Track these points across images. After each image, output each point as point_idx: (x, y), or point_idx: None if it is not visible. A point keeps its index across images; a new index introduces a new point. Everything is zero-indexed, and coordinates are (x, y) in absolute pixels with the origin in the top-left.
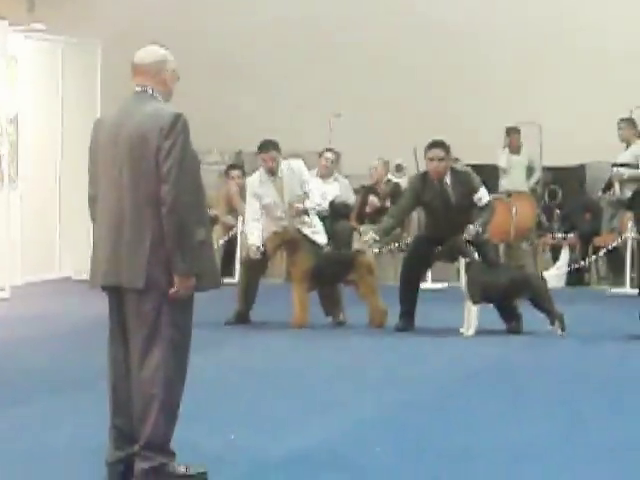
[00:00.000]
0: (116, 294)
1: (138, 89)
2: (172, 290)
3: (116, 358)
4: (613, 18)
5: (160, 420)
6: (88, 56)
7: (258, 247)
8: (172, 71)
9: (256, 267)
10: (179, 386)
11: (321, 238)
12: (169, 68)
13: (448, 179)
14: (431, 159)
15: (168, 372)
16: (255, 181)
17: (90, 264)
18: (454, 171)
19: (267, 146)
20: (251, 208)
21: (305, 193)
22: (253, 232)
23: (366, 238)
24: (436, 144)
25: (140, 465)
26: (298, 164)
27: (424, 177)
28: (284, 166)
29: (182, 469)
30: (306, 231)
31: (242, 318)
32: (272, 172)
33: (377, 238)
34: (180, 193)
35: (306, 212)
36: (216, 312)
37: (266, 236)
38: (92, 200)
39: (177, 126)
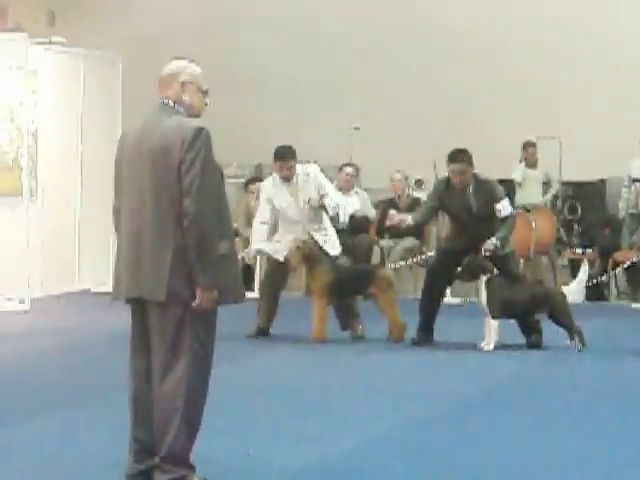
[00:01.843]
0: (139, 306)
1: (160, 101)
2: (194, 303)
3: (138, 370)
4: (634, 34)
5: (181, 433)
6: (108, 69)
7: (258, 251)
8: (182, 83)
9: (277, 280)
10: (201, 400)
11: (332, 248)
12: (179, 80)
13: (471, 187)
14: (453, 172)
15: (190, 385)
16: (268, 185)
17: (113, 278)
18: (477, 179)
19: (285, 154)
20: (261, 211)
21: (322, 195)
22: (256, 235)
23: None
24: (457, 158)
25: (159, 478)
26: (314, 168)
27: (448, 182)
28: (299, 170)
29: None
30: (317, 237)
31: (263, 332)
32: (287, 179)
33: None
34: (202, 206)
35: (323, 208)
36: (237, 326)
37: (284, 244)
38: (117, 212)
39: (199, 139)
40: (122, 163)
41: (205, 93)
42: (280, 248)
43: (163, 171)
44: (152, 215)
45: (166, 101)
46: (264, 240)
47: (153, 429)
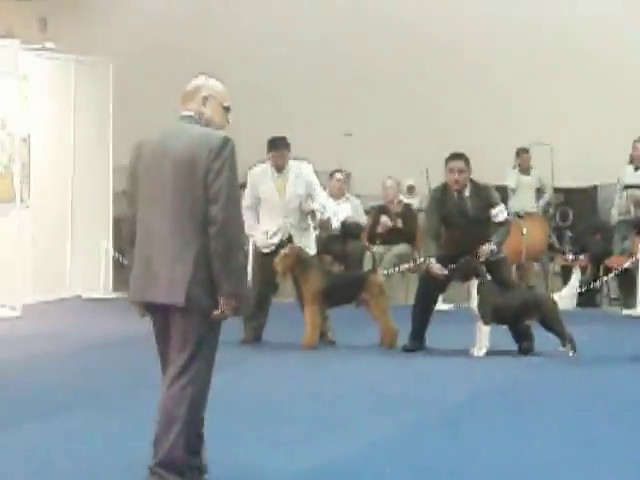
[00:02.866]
0: (159, 311)
1: (183, 114)
2: (216, 311)
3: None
4: (625, 41)
5: (180, 441)
6: (100, 75)
7: (250, 235)
8: (204, 98)
9: (267, 283)
10: (202, 411)
11: (309, 250)
12: (200, 95)
13: (467, 191)
14: (451, 170)
15: (195, 394)
16: (256, 172)
17: (131, 281)
18: (474, 184)
19: (278, 145)
20: (245, 195)
21: (310, 195)
22: (248, 221)
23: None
24: (457, 156)
25: None
26: (307, 167)
27: (444, 189)
28: (293, 166)
29: None
30: (295, 235)
31: (255, 337)
32: (279, 169)
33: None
34: (229, 214)
35: (312, 213)
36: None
37: (262, 238)
38: (131, 220)
39: (226, 148)
40: (138, 172)
41: (227, 109)
42: (264, 240)
43: (187, 179)
44: (174, 222)
45: (188, 113)
46: (253, 225)
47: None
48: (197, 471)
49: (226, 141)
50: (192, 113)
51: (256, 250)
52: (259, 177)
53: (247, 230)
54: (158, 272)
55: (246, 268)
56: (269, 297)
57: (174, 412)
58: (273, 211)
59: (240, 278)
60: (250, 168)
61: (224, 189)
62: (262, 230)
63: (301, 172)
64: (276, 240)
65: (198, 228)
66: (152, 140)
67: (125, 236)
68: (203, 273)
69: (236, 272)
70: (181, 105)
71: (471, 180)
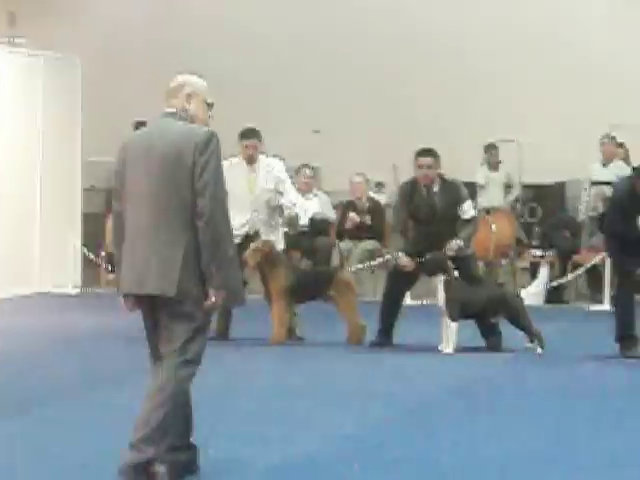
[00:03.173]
0: (148, 303)
1: (168, 110)
2: (207, 303)
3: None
4: (593, 39)
5: (166, 419)
6: (69, 71)
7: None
8: (187, 95)
9: None
10: (188, 395)
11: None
12: (184, 92)
13: (436, 187)
14: (420, 166)
15: (185, 378)
16: (227, 163)
17: (119, 273)
18: (443, 180)
19: (249, 134)
20: None
21: (279, 192)
22: None
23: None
24: (426, 151)
25: (134, 457)
26: (278, 163)
27: (413, 184)
28: (264, 161)
29: (163, 469)
30: (262, 230)
31: (222, 335)
32: (251, 160)
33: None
34: (216, 207)
35: (281, 209)
36: None
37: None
38: (117, 216)
39: (212, 143)
40: (125, 169)
41: (210, 105)
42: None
43: (175, 174)
44: (164, 216)
45: (171, 110)
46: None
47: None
48: (184, 468)
49: (211, 136)
50: (175, 109)
51: None
52: (229, 171)
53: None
54: (149, 265)
55: (236, 259)
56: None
57: (164, 393)
58: (242, 205)
59: (229, 269)
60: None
61: (211, 183)
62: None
63: (272, 168)
64: (242, 232)
65: (186, 221)
66: (137, 138)
67: (114, 232)
68: (193, 264)
69: (225, 263)
70: (165, 101)
71: (440, 176)
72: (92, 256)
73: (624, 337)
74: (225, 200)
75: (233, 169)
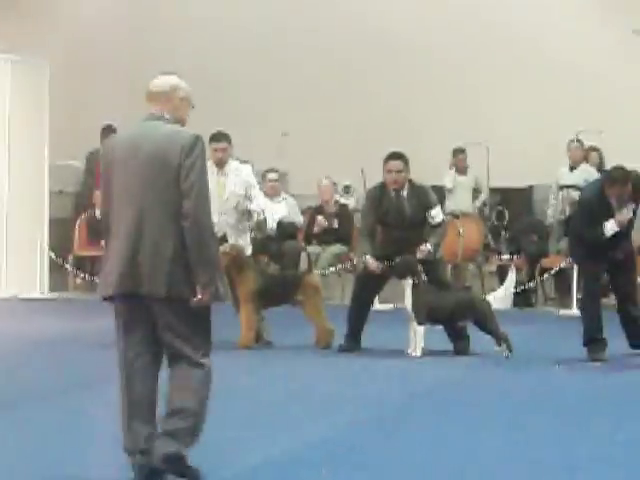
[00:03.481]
0: (134, 302)
1: (150, 112)
2: (195, 299)
3: (132, 361)
4: (561, 41)
5: (195, 413)
6: (37, 75)
7: None
8: (181, 99)
9: None
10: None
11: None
12: (178, 96)
13: (405, 192)
14: (389, 171)
15: (202, 375)
16: None
17: (102, 275)
18: (412, 184)
19: (219, 137)
20: None
21: (247, 196)
22: None
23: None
24: (395, 155)
25: (162, 449)
26: (246, 167)
27: (382, 188)
28: (233, 166)
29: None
30: (230, 234)
31: None
32: (220, 164)
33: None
34: (201, 207)
35: (249, 213)
36: None
37: None
38: (106, 215)
39: (197, 146)
40: (112, 170)
41: (192, 107)
42: None
43: (161, 175)
44: (152, 216)
45: (159, 113)
46: None
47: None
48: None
49: (197, 139)
50: (160, 112)
51: None
52: None
53: None
54: (139, 265)
55: (218, 257)
56: None
57: (186, 387)
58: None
59: (215, 266)
60: None
61: (196, 184)
62: None
63: (240, 172)
64: None
65: (173, 221)
66: (123, 139)
67: (102, 232)
68: (181, 264)
69: (211, 261)
70: (152, 104)
71: (409, 180)
72: (60, 260)
73: (592, 341)
74: (209, 201)
75: None
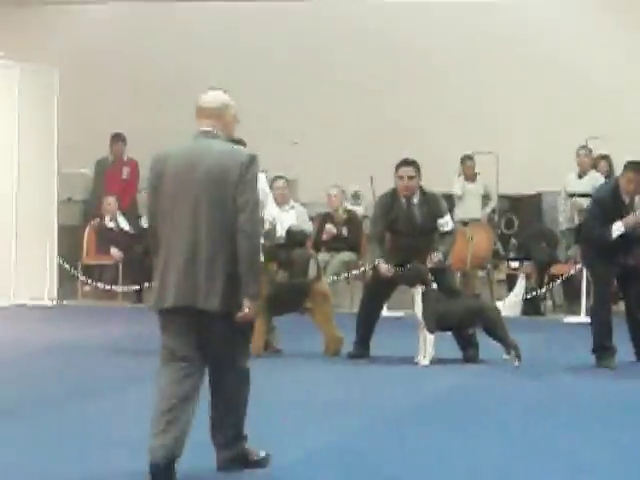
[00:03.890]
0: (187, 314)
1: (204, 129)
2: (241, 312)
3: (175, 369)
4: (571, 50)
5: (242, 414)
6: (45, 82)
7: None
8: (233, 116)
9: None
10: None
11: None
12: (230, 113)
13: (416, 199)
14: (401, 177)
15: (245, 374)
16: None
17: (156, 288)
18: (423, 192)
19: None
20: None
21: (263, 205)
22: None
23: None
24: (407, 162)
25: (225, 454)
26: (261, 176)
27: (393, 195)
28: None
29: (252, 455)
30: None
31: None
32: None
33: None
34: (255, 223)
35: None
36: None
37: None
38: (153, 232)
39: (253, 164)
40: (163, 184)
41: (237, 122)
42: None
43: (218, 192)
44: (205, 231)
45: (208, 129)
46: None
47: (217, 414)
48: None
49: (253, 158)
50: (212, 129)
51: None
52: None
53: None
54: (194, 278)
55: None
56: None
57: (236, 395)
58: None
59: (259, 281)
60: None
61: (251, 201)
62: None
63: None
64: None
65: (227, 236)
66: (176, 154)
67: (152, 248)
68: (232, 279)
69: (258, 275)
70: (198, 119)
71: (420, 188)
72: (69, 268)
73: (600, 348)
74: (260, 216)
75: None
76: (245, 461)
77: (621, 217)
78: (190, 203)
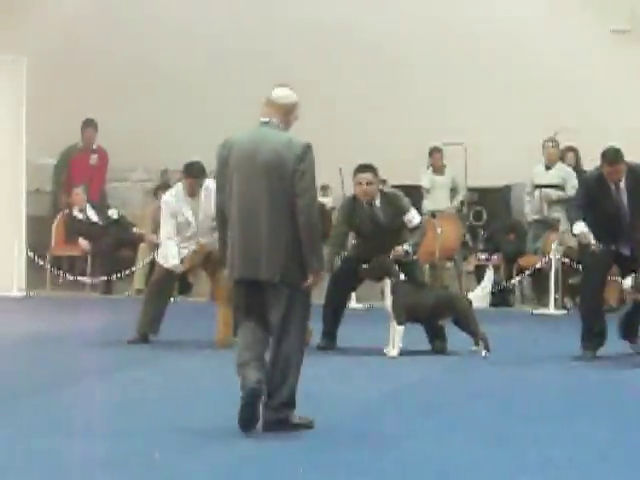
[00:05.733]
0: (253, 285)
1: (266, 119)
2: (307, 283)
3: (249, 329)
4: (537, 45)
5: (294, 382)
6: (14, 72)
7: (176, 266)
8: (296, 115)
9: (165, 288)
10: (303, 354)
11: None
12: (294, 114)
13: (378, 201)
14: (360, 183)
15: (301, 345)
16: (171, 200)
17: (228, 262)
18: (383, 193)
19: (193, 171)
20: (167, 227)
21: None
22: (171, 252)
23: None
24: (364, 168)
25: (271, 416)
26: (214, 183)
27: (354, 200)
28: (203, 185)
29: (297, 419)
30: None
31: (144, 339)
32: (192, 195)
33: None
34: (313, 206)
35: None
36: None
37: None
38: (221, 207)
39: (309, 153)
40: (229, 166)
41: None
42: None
43: (278, 178)
44: (268, 213)
45: (269, 119)
46: (176, 256)
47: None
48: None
49: (309, 147)
50: (277, 121)
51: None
52: (176, 205)
53: (174, 261)
54: (257, 254)
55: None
56: (166, 304)
57: (288, 363)
58: (189, 233)
59: (322, 256)
60: (157, 196)
61: (309, 186)
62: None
63: (210, 192)
64: (186, 252)
65: (287, 217)
66: (241, 140)
67: (219, 221)
68: (294, 254)
69: (320, 251)
70: (266, 109)
71: (380, 190)
72: (38, 259)
73: (587, 332)
74: (317, 200)
75: (179, 202)
76: (288, 425)
77: (606, 199)
78: (252, 188)
